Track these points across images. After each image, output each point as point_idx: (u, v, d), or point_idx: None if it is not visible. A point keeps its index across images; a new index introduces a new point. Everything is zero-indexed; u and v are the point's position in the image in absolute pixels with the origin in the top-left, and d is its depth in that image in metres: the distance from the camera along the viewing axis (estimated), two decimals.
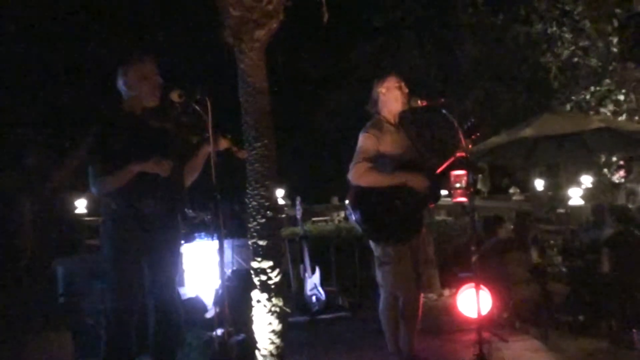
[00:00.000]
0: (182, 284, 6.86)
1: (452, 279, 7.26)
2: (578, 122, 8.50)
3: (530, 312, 6.47)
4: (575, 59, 13.27)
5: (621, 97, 12.32)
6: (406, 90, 4.78)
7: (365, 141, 4.65)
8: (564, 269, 7.54)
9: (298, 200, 8.06)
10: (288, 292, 6.29)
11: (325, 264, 8.26)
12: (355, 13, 15.79)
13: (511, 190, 20.90)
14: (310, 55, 17.93)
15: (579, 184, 14.26)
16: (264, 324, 4.45)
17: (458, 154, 4.47)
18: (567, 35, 13.45)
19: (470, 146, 4.43)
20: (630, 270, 6.41)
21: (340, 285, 8.23)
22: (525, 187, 18.94)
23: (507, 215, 10.09)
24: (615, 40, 12.93)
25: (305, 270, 7.38)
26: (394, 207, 4.58)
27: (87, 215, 12.32)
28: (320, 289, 7.35)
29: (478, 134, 4.52)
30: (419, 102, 4.66)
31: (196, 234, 7.73)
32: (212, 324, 5.33)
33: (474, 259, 4.36)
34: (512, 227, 7.74)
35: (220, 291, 4.52)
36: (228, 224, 7.76)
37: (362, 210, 4.67)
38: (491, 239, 7.01)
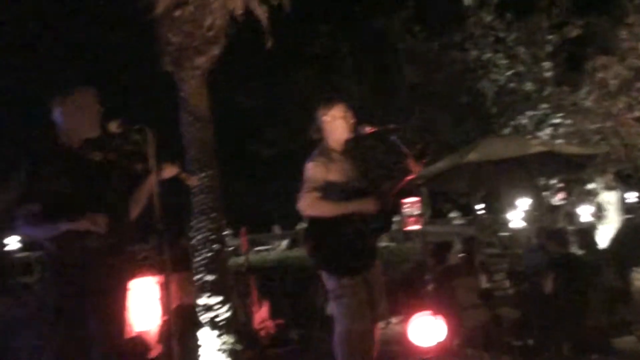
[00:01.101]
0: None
1: (398, 306, 7.15)
2: (520, 146, 8.58)
3: (481, 338, 6.41)
4: (512, 84, 13.52)
5: (558, 121, 12.59)
6: (352, 119, 4.66)
7: (313, 170, 4.50)
8: (510, 292, 7.53)
9: (243, 231, 7.86)
10: (236, 326, 6.07)
11: (272, 295, 8.06)
12: (292, 41, 15.80)
13: (452, 215, 21.12)
14: (247, 83, 17.83)
15: (517, 207, 14.48)
16: None
17: (409, 179, 4.38)
18: (502, 61, 13.70)
19: (419, 170, 4.37)
20: (575, 293, 6.43)
21: (289, 316, 8.03)
22: (466, 211, 19.16)
23: (452, 239, 10.11)
24: (549, 65, 13.25)
25: (252, 304, 7.16)
26: (347, 237, 4.44)
27: (20, 250, 11.82)
28: (268, 321, 7.14)
29: (426, 159, 4.46)
30: (366, 129, 4.57)
31: (137, 270, 7.40)
32: None
33: (429, 287, 4.26)
34: (460, 252, 7.71)
35: (165, 329, 4.28)
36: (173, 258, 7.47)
37: (314, 242, 4.52)
38: (440, 266, 6.96)
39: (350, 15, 16.62)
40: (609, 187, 11.97)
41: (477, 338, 6.42)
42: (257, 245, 18.72)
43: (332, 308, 4.64)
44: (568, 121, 12.40)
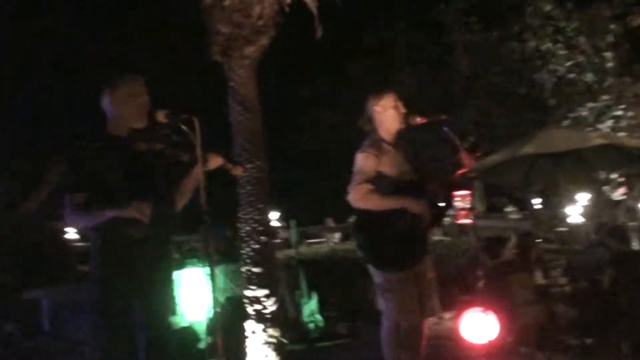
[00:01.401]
0: (174, 313, 6.57)
1: (452, 301, 7.02)
2: (578, 139, 8.30)
3: (535, 336, 6.23)
4: (571, 75, 13.13)
5: (619, 113, 12.18)
6: (403, 109, 4.55)
7: (364, 161, 4.41)
8: (567, 288, 7.31)
9: (292, 224, 7.84)
10: (284, 319, 6.03)
11: (322, 288, 8.02)
12: (346, 32, 15.69)
13: (508, 209, 20.70)
14: (302, 75, 17.79)
15: (576, 201, 14.08)
16: (260, 356, 4.20)
17: (459, 172, 4.26)
18: (562, 52, 13.33)
19: (472, 163, 4.24)
20: (636, 291, 6.20)
21: (338, 310, 7.97)
22: (523, 205, 18.76)
23: (507, 234, 9.87)
24: (610, 55, 12.81)
25: (301, 296, 7.12)
26: (397, 231, 4.33)
27: (79, 240, 12.03)
28: (317, 315, 7.09)
29: (480, 153, 4.33)
30: (417, 119, 4.46)
31: (187, 260, 7.45)
32: (204, 355, 5.06)
33: (480, 284, 4.14)
34: (514, 247, 7.52)
35: (213, 320, 4.26)
36: (220, 249, 7.49)
37: (363, 235, 4.44)
38: (494, 261, 6.79)
39: (407, 7, 16.40)
40: None
41: (531, 336, 6.23)
42: (310, 238, 18.70)
43: (380, 302, 4.56)
44: (630, 113, 11.97)
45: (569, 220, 12.60)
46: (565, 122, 12.70)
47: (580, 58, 13.10)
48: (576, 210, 13.49)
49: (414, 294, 4.45)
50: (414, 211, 4.33)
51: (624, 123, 12.04)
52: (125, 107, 3.85)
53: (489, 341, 5.15)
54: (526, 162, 8.82)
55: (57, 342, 5.74)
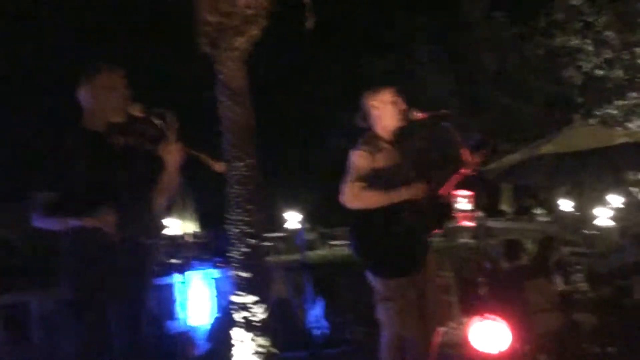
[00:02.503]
0: (173, 317, 6.35)
1: (472, 306, 6.73)
2: (602, 137, 7.93)
3: (554, 345, 5.90)
4: (600, 72, 12.72)
5: None
6: (403, 106, 4.24)
7: (357, 160, 4.14)
8: (589, 295, 6.96)
9: (301, 227, 7.63)
10: (285, 326, 5.76)
11: (338, 292, 7.79)
12: (367, 29, 15.40)
13: (536, 211, 20.22)
14: (322, 73, 17.50)
15: (606, 203, 13.58)
16: None
17: (462, 172, 3.95)
18: (590, 48, 12.92)
19: (477, 162, 3.93)
20: None
21: (351, 314, 7.70)
22: (551, 207, 18.28)
23: (533, 237, 9.51)
24: None
25: (305, 301, 6.88)
26: (395, 235, 4.03)
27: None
28: (323, 320, 6.83)
29: (486, 151, 4.02)
30: (418, 115, 4.16)
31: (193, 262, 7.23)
32: None
33: (483, 290, 3.83)
34: (534, 251, 7.18)
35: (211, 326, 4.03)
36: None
37: (358, 239, 4.16)
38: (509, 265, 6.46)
39: (429, 1, 16.06)
40: None
41: (549, 344, 5.90)
42: (334, 240, 18.46)
43: (379, 311, 4.26)
44: None
45: (598, 222, 12.13)
46: (593, 121, 12.28)
47: (609, 54, 12.70)
48: (606, 212, 13.04)
49: (415, 302, 4.15)
50: (412, 197, 4.04)
51: None
52: (102, 100, 3.63)
53: (503, 350, 4.83)
54: (549, 162, 8.46)
55: (49, 354, 5.43)
